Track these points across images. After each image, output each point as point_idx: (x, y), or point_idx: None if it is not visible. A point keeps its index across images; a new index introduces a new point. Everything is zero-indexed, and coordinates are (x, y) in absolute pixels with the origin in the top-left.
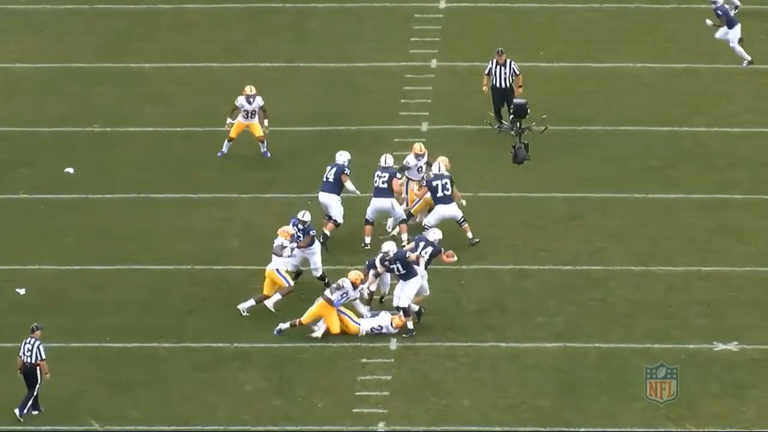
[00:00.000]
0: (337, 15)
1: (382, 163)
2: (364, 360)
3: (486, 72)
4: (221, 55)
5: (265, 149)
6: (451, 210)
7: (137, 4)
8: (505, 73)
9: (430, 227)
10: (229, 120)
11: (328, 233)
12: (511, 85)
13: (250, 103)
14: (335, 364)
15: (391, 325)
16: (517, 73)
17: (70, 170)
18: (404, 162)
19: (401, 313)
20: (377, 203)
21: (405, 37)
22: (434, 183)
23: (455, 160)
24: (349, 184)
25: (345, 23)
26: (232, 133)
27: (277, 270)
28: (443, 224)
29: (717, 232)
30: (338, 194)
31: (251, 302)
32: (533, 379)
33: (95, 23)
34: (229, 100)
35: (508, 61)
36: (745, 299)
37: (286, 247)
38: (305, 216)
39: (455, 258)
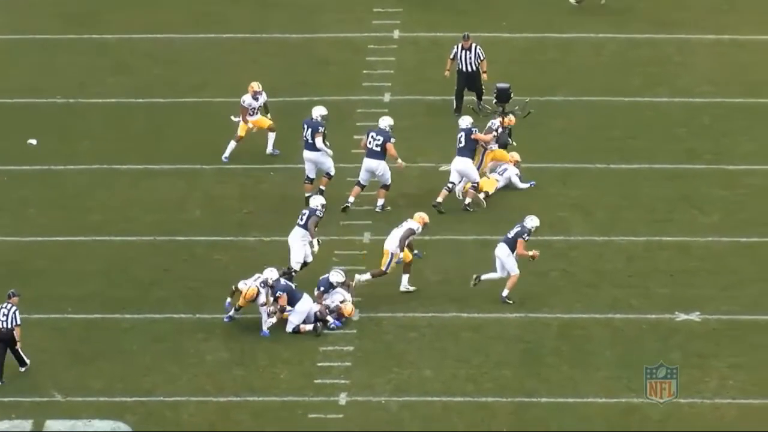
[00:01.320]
0: None
1: (381, 125)
2: (326, 330)
3: (451, 57)
4: (184, 26)
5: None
6: (377, 165)
7: None
8: (471, 58)
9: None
10: (233, 118)
11: (323, 188)
12: (477, 69)
13: (257, 99)
14: (297, 335)
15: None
16: (482, 57)
17: (33, 141)
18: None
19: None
20: (367, 164)
21: (367, 7)
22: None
23: (417, 130)
24: (318, 142)
25: None
26: (241, 132)
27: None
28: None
29: (679, 202)
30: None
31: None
32: (495, 350)
33: None
34: (192, 71)
35: (473, 45)
36: (707, 269)
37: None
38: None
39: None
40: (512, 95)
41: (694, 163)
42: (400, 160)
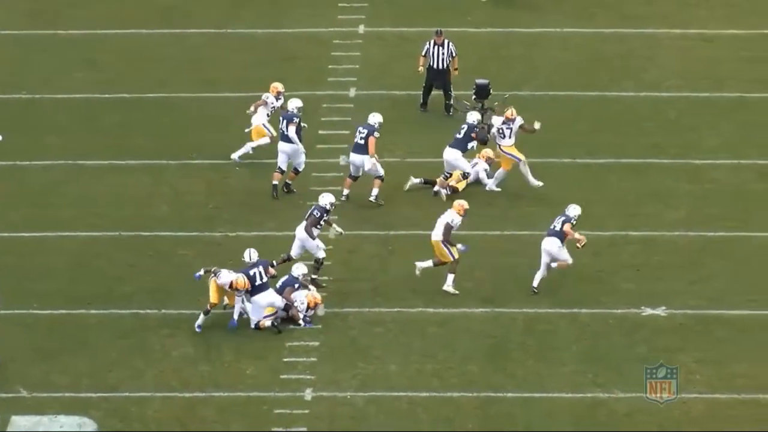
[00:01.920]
0: None
1: (369, 120)
2: (291, 326)
3: (423, 53)
4: (150, 21)
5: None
6: (362, 160)
7: None
8: (443, 54)
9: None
10: (252, 108)
11: (289, 182)
12: (447, 66)
13: (278, 99)
14: (263, 331)
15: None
16: (455, 54)
17: None
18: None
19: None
20: (352, 158)
21: (333, 2)
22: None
23: (383, 125)
24: (291, 132)
25: None
26: (254, 136)
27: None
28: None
29: (645, 197)
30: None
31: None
32: (461, 345)
33: None
34: (158, 66)
35: (446, 41)
36: (674, 263)
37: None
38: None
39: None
40: (491, 91)
41: (660, 157)
42: (375, 157)
